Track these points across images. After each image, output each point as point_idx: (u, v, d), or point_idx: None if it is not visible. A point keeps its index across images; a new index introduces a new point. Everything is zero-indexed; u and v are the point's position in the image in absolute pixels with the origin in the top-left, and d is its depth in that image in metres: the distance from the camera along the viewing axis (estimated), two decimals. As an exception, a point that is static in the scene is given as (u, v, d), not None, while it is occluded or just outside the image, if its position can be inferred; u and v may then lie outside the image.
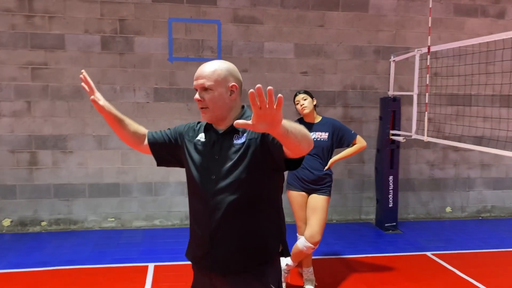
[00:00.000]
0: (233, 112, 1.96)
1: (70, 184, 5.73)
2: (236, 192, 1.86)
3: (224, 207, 1.87)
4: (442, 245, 5.30)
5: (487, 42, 4.79)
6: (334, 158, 3.88)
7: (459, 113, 6.17)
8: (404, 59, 5.89)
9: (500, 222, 6.45)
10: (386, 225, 5.88)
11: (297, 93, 3.93)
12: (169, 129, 2.14)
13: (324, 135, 3.84)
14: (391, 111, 5.80)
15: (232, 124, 1.90)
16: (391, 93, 5.87)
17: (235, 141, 1.90)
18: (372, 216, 6.35)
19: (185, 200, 5.88)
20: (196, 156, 1.98)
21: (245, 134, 1.90)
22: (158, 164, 2.16)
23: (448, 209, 6.59)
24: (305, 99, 3.85)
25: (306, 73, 6.06)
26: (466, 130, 5.97)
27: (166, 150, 2.10)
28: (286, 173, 2.58)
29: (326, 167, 3.82)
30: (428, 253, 5.00)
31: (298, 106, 3.89)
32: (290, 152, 1.72)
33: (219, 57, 5.84)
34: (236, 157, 1.87)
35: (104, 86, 5.68)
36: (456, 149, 6.42)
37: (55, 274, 4.32)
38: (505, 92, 6.21)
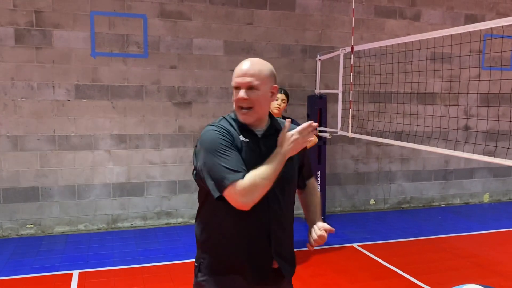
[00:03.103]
0: (267, 113, 1.97)
1: (-18, 189, 5.26)
2: (290, 194, 1.95)
3: (282, 212, 1.90)
4: (367, 236, 5.56)
5: (405, 42, 5.08)
6: None
7: (380, 110, 6.49)
8: (330, 58, 6.07)
9: (419, 212, 6.89)
10: (315, 219, 6.04)
11: (280, 91, 4.18)
12: (231, 149, 1.80)
13: None
14: (318, 109, 5.96)
15: (270, 126, 1.93)
16: (317, 91, 6.04)
17: None
18: (300, 211, 6.45)
19: (112, 202, 5.68)
20: (246, 159, 1.82)
21: None
22: None
23: (372, 202, 6.93)
24: (283, 101, 4.15)
25: (236, 71, 6.04)
26: (387, 126, 6.30)
27: None
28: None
29: None
30: (354, 245, 5.21)
31: (274, 102, 4.13)
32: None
33: (145, 53, 5.65)
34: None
35: (19, 83, 5.27)
36: (378, 144, 6.75)
37: (-36, 289, 3.95)
38: (421, 90, 6.63)
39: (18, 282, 4.12)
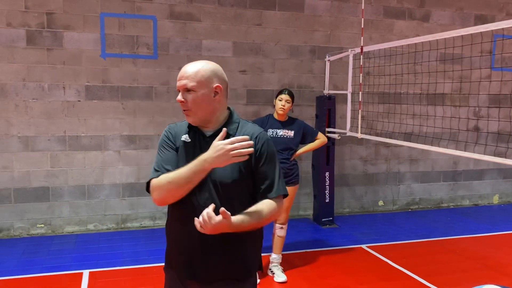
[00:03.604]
0: (219, 113, 1.91)
1: (-7, 189, 5.32)
2: (234, 202, 1.83)
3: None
4: (376, 237, 5.54)
5: (415, 43, 5.06)
6: (299, 151, 4.39)
7: (389, 110, 6.47)
8: (338, 59, 6.07)
9: (427, 213, 6.86)
10: (323, 220, 6.04)
11: (285, 92, 4.27)
12: (166, 149, 1.92)
13: (290, 133, 4.28)
14: (327, 109, 5.96)
15: (222, 127, 1.86)
16: (326, 92, 6.03)
17: None
18: (309, 212, 6.50)
19: (121, 202, 5.72)
20: (183, 160, 1.86)
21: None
22: None
23: (381, 203, 6.91)
24: (288, 102, 4.23)
25: (245, 72, 6.07)
26: (396, 127, 6.27)
27: None
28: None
29: (291, 158, 4.27)
30: (363, 246, 5.20)
31: (279, 103, 4.23)
32: None
33: (155, 54, 5.69)
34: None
35: (31, 84, 5.33)
36: (387, 145, 6.73)
37: (-23, 288, 4.00)
38: (431, 91, 6.60)
39: (29, 281, 4.16)
